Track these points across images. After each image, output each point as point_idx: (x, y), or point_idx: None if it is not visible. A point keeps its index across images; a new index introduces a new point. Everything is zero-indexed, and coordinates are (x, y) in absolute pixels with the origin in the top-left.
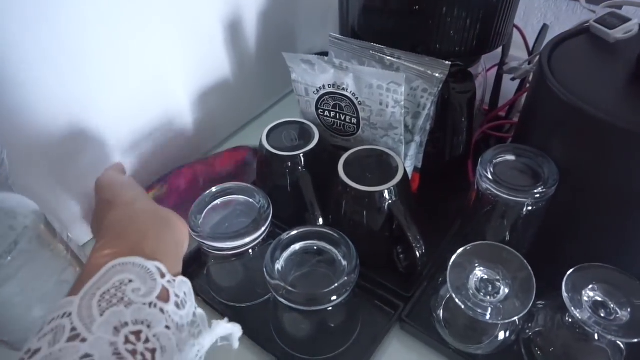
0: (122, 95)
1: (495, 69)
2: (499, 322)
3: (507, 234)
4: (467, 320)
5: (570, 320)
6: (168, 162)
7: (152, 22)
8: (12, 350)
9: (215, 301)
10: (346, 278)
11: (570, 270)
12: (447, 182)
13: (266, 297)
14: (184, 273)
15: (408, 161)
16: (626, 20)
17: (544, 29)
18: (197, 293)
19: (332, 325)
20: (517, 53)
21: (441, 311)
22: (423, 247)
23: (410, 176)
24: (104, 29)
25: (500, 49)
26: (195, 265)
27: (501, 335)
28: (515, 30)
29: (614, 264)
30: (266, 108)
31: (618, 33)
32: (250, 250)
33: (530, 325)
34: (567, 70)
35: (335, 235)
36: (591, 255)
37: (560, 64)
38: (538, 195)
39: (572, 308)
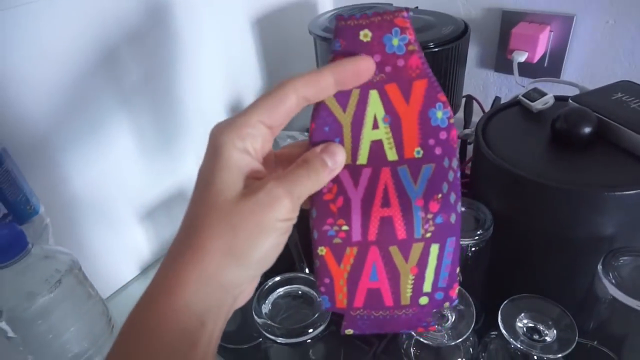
0: (144, 167)
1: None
2: (453, 344)
3: (460, 275)
4: (431, 352)
5: (513, 347)
6: (177, 227)
7: (170, 108)
8: None
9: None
10: (320, 313)
11: (504, 303)
12: None
13: (259, 340)
14: None
15: None
16: (544, 94)
17: (496, 100)
18: None
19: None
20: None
21: (406, 346)
22: None
23: None
24: (136, 115)
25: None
26: None
27: None
28: (475, 102)
29: (547, 293)
30: None
31: (539, 105)
32: None
33: (484, 354)
34: (498, 135)
35: (312, 279)
36: (529, 287)
37: (494, 131)
38: (477, 237)
39: (507, 335)
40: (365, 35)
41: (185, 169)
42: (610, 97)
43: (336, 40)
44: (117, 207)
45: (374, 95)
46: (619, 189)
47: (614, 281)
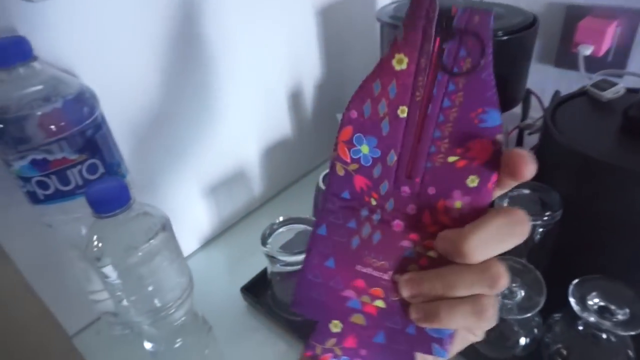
0: (210, 149)
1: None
2: (517, 318)
3: (525, 255)
4: (495, 329)
5: (581, 327)
6: (237, 207)
7: (235, 93)
8: None
9: (276, 314)
10: None
11: (574, 282)
12: None
13: None
14: (252, 293)
15: None
16: (614, 84)
17: (556, 94)
18: (261, 308)
19: None
20: (536, 114)
21: None
22: None
23: None
24: (205, 102)
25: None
26: (261, 285)
27: (522, 341)
28: (533, 96)
29: (613, 276)
30: (319, 163)
31: (609, 94)
32: None
33: (549, 335)
34: (566, 122)
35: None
36: (596, 272)
37: (562, 118)
38: (546, 219)
39: (579, 309)
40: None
41: (247, 151)
42: None
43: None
44: (182, 183)
45: None
46: None
47: None
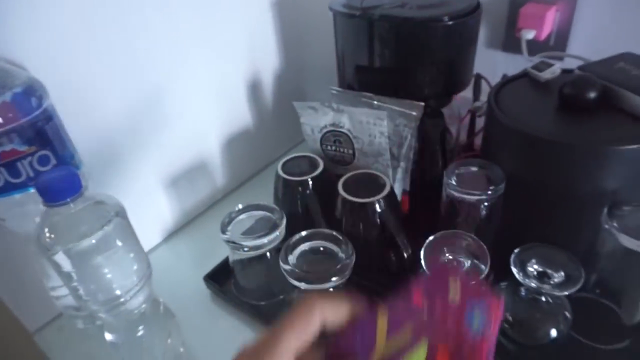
0: (169, 141)
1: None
2: None
3: (474, 229)
4: None
5: (524, 293)
6: (199, 199)
7: (192, 85)
8: None
9: (240, 301)
10: (343, 263)
11: (515, 251)
12: (430, 201)
13: (281, 296)
14: (215, 281)
15: (397, 183)
16: (551, 65)
17: (504, 77)
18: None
19: None
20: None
21: None
22: (409, 248)
23: (399, 197)
24: (162, 94)
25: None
26: (224, 273)
27: None
28: (483, 80)
29: (554, 244)
30: (281, 154)
31: (546, 75)
32: (268, 253)
33: None
34: (509, 103)
35: (335, 234)
36: (537, 240)
37: (504, 99)
38: (490, 193)
39: (519, 276)
40: (455, 293)
41: (207, 142)
42: (613, 66)
43: (428, 272)
44: (141, 177)
45: (423, 346)
46: (621, 144)
47: (616, 225)
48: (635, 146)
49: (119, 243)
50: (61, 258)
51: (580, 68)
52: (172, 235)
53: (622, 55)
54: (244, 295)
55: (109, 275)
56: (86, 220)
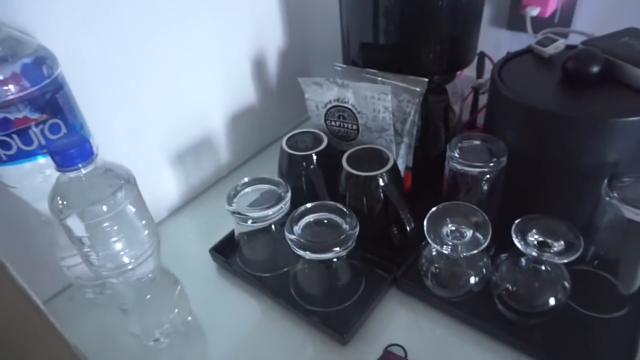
0: (174, 118)
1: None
2: (464, 255)
3: (476, 202)
4: (447, 272)
5: (525, 262)
6: (205, 175)
7: (198, 62)
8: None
9: (245, 273)
10: (347, 234)
11: (516, 222)
12: (433, 178)
13: (285, 269)
14: (221, 254)
15: (400, 159)
16: (555, 40)
17: (508, 55)
18: (230, 268)
19: (340, 284)
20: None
21: (425, 268)
22: (412, 222)
23: (402, 173)
24: (168, 71)
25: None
26: (229, 246)
27: (472, 280)
28: (487, 59)
29: (555, 215)
30: (285, 131)
31: (550, 50)
32: (273, 226)
33: (496, 274)
34: (512, 78)
35: (339, 206)
36: (539, 211)
37: (508, 74)
38: (492, 164)
39: (520, 245)
40: None
41: (212, 118)
42: (617, 41)
43: None
44: (147, 152)
45: None
46: (622, 116)
47: (616, 195)
48: (635, 118)
49: (131, 209)
50: (73, 222)
51: (584, 43)
52: (178, 210)
53: (626, 30)
54: (249, 267)
55: (120, 241)
56: (97, 186)
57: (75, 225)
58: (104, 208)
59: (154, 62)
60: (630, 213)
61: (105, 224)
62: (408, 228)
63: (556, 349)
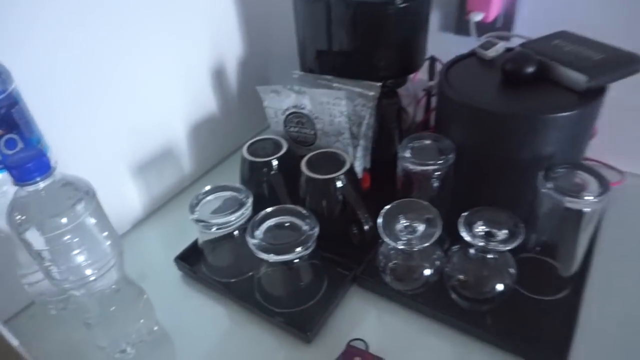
0: (135, 130)
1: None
2: (417, 248)
3: (429, 199)
4: (404, 267)
5: (473, 252)
6: (168, 186)
7: (157, 73)
8: None
9: (211, 280)
10: (307, 235)
11: (462, 215)
12: (390, 177)
13: (250, 273)
14: (186, 262)
15: (357, 161)
16: (496, 43)
17: (454, 58)
18: (196, 275)
19: (303, 284)
20: None
21: (383, 264)
22: (370, 221)
23: (361, 175)
24: (127, 83)
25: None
26: (194, 255)
27: (427, 272)
28: (438, 62)
29: (501, 206)
30: (246, 140)
31: (491, 53)
32: (236, 232)
33: (448, 265)
34: (458, 80)
35: (298, 209)
36: (487, 204)
37: (454, 76)
38: (441, 162)
39: (468, 236)
40: None
41: (173, 129)
42: (550, 43)
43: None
44: (109, 164)
45: None
46: (554, 112)
47: (551, 185)
48: (566, 113)
49: (91, 221)
50: (32, 236)
51: (521, 45)
52: (142, 222)
53: (558, 33)
54: (214, 274)
55: (81, 254)
56: (56, 199)
57: (35, 239)
58: (64, 220)
59: (114, 74)
60: (564, 201)
61: (66, 237)
62: (366, 227)
63: (506, 332)
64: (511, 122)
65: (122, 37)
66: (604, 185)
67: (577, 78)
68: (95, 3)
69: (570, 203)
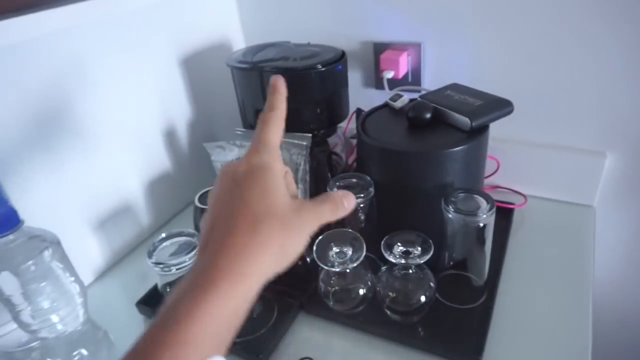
0: (93, 188)
1: None
2: (349, 269)
3: (358, 227)
4: (342, 291)
5: (397, 270)
6: (127, 238)
7: (114, 134)
8: None
9: None
10: None
11: (384, 239)
12: None
13: None
14: (148, 306)
15: None
16: (402, 96)
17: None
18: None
19: (255, 313)
20: None
21: (324, 289)
22: (312, 254)
23: None
24: (86, 145)
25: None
26: (155, 298)
27: (361, 292)
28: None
29: (415, 229)
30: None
31: (399, 103)
32: None
33: (379, 284)
34: (372, 127)
35: None
36: (406, 228)
37: (369, 125)
38: (362, 196)
39: (390, 257)
40: None
41: (129, 186)
42: (443, 94)
43: None
44: (68, 219)
45: None
46: (448, 148)
47: (451, 208)
48: (457, 148)
49: (58, 265)
50: (2, 281)
51: (421, 96)
52: (104, 273)
53: (450, 86)
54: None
55: (49, 297)
56: (24, 249)
57: (5, 284)
58: (32, 267)
59: (71, 134)
60: (462, 220)
61: (35, 283)
62: (308, 259)
63: (434, 340)
64: (415, 159)
65: (84, 100)
66: (491, 203)
67: (463, 120)
68: (59, 77)
69: (469, 220)
